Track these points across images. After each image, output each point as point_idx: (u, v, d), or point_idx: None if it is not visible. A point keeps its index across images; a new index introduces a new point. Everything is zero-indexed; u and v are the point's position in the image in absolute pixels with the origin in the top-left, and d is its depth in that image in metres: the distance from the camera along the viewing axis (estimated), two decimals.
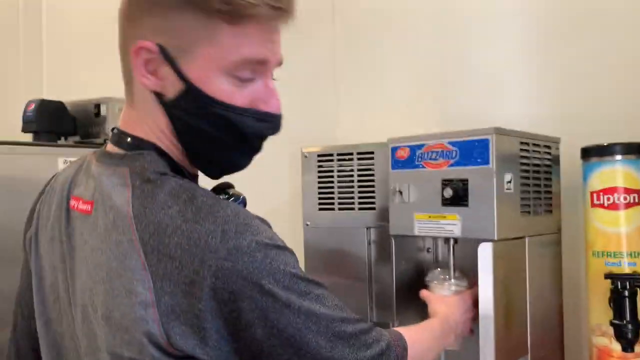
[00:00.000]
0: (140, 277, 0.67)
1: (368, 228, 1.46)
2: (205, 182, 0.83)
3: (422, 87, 1.74)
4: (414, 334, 0.91)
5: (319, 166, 1.54)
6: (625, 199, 1.18)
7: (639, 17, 1.41)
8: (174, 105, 0.75)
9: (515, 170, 1.18)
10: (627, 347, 1.15)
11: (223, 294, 0.67)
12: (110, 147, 0.81)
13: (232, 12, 0.71)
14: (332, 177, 1.52)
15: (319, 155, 1.54)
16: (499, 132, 1.14)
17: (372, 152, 1.45)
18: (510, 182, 1.16)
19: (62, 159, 1.67)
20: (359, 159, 1.47)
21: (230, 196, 0.82)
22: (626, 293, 1.13)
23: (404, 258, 1.33)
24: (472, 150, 1.15)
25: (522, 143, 1.22)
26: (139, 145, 0.77)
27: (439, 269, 1.29)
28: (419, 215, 1.23)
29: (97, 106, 1.95)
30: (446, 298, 1.19)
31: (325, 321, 0.73)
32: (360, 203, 1.47)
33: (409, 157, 1.25)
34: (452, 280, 1.23)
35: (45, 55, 2.78)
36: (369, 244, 1.47)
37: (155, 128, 0.77)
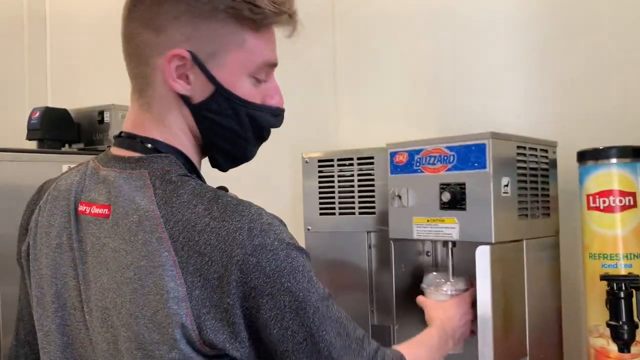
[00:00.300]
0: (172, 273, 0.70)
1: (368, 232, 1.48)
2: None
3: (422, 92, 1.76)
4: (414, 352, 0.95)
5: (320, 171, 1.55)
6: (620, 201, 1.19)
7: (635, 22, 1.42)
8: (202, 107, 0.80)
9: (512, 174, 1.20)
10: (624, 347, 1.16)
11: (245, 289, 0.69)
12: (118, 151, 0.82)
13: (260, 20, 0.79)
14: (332, 182, 1.53)
15: (319, 161, 1.56)
16: (496, 136, 1.16)
17: (372, 157, 1.46)
18: (507, 185, 1.18)
19: (66, 166, 1.68)
20: (359, 164, 1.49)
21: None
22: (622, 294, 1.14)
23: (403, 261, 1.35)
24: (469, 154, 1.17)
25: (519, 147, 1.23)
26: (157, 147, 0.80)
27: (434, 273, 1.30)
28: (417, 219, 1.25)
29: (101, 113, 1.97)
30: (442, 303, 1.20)
31: (337, 327, 0.75)
32: (360, 208, 1.49)
33: (407, 162, 1.27)
34: (448, 284, 1.24)
35: (49, 63, 2.81)
36: (370, 248, 1.49)
37: (176, 129, 0.81)
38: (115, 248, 0.75)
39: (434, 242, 1.37)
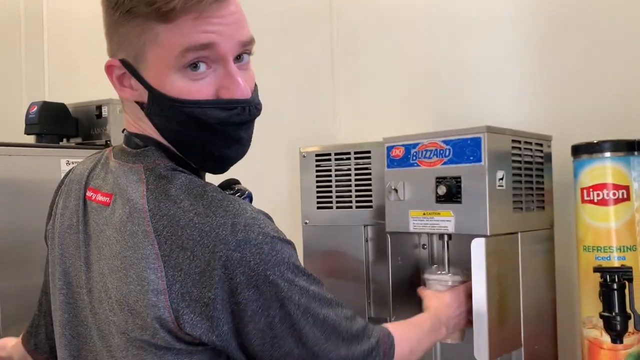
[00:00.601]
0: (153, 266, 0.71)
1: (365, 226, 1.49)
2: (213, 177, 0.86)
3: (418, 87, 1.77)
4: (402, 331, 0.95)
5: (317, 165, 1.57)
6: (614, 194, 1.21)
7: (630, 17, 1.43)
8: (150, 111, 0.79)
9: (508, 167, 1.21)
10: (617, 338, 1.18)
11: (232, 284, 0.70)
12: (123, 146, 0.86)
13: (161, 10, 0.72)
14: (330, 176, 1.54)
15: (317, 155, 1.57)
16: (491, 130, 1.17)
17: (369, 152, 1.48)
18: (502, 179, 1.19)
19: (64, 160, 1.70)
20: (356, 158, 1.50)
21: (237, 191, 0.85)
22: (615, 286, 1.16)
23: (400, 254, 1.36)
24: (464, 148, 1.18)
25: (513, 141, 1.24)
26: (143, 141, 0.82)
27: (435, 266, 1.32)
28: (413, 213, 1.26)
29: (99, 108, 1.98)
30: (440, 293, 1.22)
31: (322, 315, 0.77)
32: (357, 201, 1.50)
33: (403, 155, 1.28)
34: (447, 276, 1.26)
35: (47, 57, 2.81)
36: (366, 241, 1.50)
37: (150, 131, 0.82)
38: (110, 236, 0.77)
39: (430, 235, 1.38)
